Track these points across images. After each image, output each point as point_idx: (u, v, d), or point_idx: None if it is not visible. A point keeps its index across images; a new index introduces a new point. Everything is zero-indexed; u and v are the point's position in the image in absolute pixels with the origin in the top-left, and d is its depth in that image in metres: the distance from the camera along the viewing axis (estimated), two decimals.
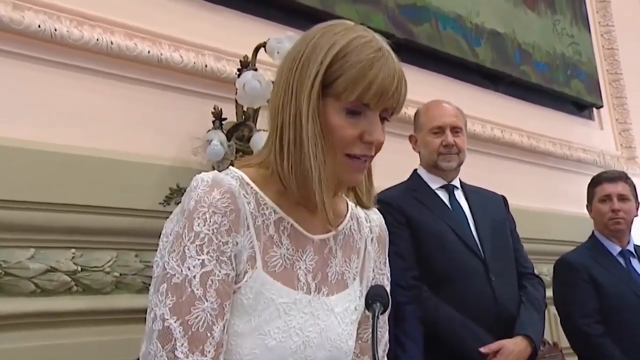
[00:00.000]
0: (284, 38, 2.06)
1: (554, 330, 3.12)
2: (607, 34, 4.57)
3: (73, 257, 1.83)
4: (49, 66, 1.91)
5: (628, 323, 2.37)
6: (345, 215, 1.10)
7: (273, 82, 2.11)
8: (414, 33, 3.08)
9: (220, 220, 0.92)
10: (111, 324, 1.90)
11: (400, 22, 3.02)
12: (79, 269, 1.84)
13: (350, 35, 0.98)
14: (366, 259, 1.11)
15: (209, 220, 0.92)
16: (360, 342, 1.10)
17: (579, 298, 2.43)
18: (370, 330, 1.03)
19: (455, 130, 2.14)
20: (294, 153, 0.96)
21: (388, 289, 1.12)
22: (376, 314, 0.94)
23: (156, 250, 2.09)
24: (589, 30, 4.37)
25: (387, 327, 1.15)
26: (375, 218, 1.15)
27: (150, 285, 2.01)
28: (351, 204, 1.12)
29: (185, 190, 2.15)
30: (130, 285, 1.95)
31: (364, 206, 1.07)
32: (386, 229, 1.17)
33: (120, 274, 1.92)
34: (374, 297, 0.97)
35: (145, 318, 1.99)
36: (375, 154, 1.00)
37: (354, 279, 1.08)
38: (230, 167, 1.03)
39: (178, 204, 2.12)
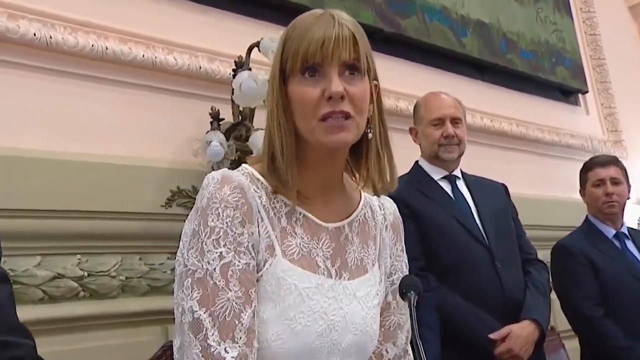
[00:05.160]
0: (278, 37, 2.07)
1: (550, 315, 3.17)
2: (588, 20, 4.62)
3: (79, 263, 1.85)
4: (46, 74, 1.91)
5: (627, 304, 2.41)
6: (359, 204, 1.13)
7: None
8: (401, 26, 3.11)
9: (232, 214, 0.96)
10: (118, 328, 1.91)
11: (388, 17, 3.04)
12: (85, 274, 1.85)
13: (300, 17, 1.04)
14: (382, 245, 1.14)
15: (222, 215, 0.95)
16: (383, 329, 1.13)
17: (579, 281, 2.47)
18: (394, 317, 1.07)
19: (455, 121, 2.17)
20: (266, 143, 1.02)
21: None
22: (412, 302, 0.97)
23: (160, 252, 2.12)
24: (571, 17, 4.42)
25: (408, 313, 1.18)
26: (388, 206, 1.19)
27: (155, 286, 2.03)
28: (364, 193, 1.15)
29: (186, 192, 2.18)
30: (136, 288, 1.96)
31: (377, 193, 1.10)
32: (400, 216, 1.20)
33: (126, 278, 1.93)
34: (407, 286, 1.00)
35: (153, 319, 2.00)
36: (353, 113, 0.99)
37: (373, 264, 1.11)
38: (243, 164, 1.07)
39: (180, 205, 2.16)
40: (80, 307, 1.84)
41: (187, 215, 2.03)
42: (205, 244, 0.94)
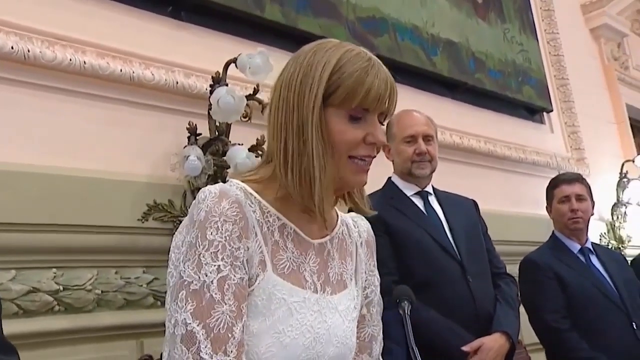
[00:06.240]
0: (255, 54, 2.11)
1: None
2: (552, 41, 4.77)
3: (54, 277, 1.84)
4: (23, 87, 1.91)
5: (592, 317, 2.50)
6: (337, 221, 1.18)
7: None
8: (374, 45, 3.16)
9: (231, 228, 0.98)
10: (94, 342, 1.90)
11: (361, 35, 3.10)
12: (61, 288, 1.84)
13: (341, 49, 1.07)
14: (358, 261, 1.20)
15: (220, 229, 0.98)
16: (358, 340, 1.17)
17: (546, 294, 2.55)
18: (369, 329, 1.14)
19: (427, 138, 2.23)
20: (298, 163, 1.03)
21: (378, 290, 1.22)
22: (406, 311, 1.00)
23: (136, 266, 2.11)
24: (536, 38, 4.56)
25: (381, 325, 1.23)
26: (362, 224, 1.24)
27: (130, 300, 2.02)
28: (339, 211, 1.20)
29: (162, 206, 2.18)
30: (112, 302, 1.95)
31: (361, 211, 1.16)
32: (373, 233, 1.26)
33: (102, 292, 1.92)
34: (401, 296, 1.04)
35: (129, 333, 1.99)
36: (375, 155, 1.09)
37: (351, 279, 1.16)
38: (232, 179, 1.09)
39: (156, 220, 2.16)
40: (55, 321, 1.82)
41: (163, 229, 2.06)
42: (203, 257, 0.96)
